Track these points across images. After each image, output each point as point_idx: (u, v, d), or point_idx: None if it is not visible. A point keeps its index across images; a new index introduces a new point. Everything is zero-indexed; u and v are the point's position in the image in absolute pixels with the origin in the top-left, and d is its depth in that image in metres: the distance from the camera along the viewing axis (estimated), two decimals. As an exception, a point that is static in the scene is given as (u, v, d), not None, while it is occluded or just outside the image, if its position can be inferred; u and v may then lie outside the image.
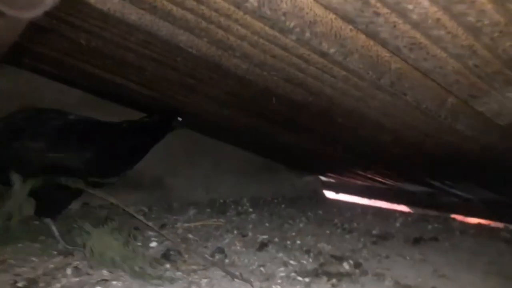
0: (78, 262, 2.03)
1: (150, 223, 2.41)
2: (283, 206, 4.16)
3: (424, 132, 2.21)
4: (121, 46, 2.22)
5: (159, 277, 1.89)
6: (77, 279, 1.85)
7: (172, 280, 1.88)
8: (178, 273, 2.00)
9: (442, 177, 3.28)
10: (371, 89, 1.75)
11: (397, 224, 3.50)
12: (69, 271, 1.92)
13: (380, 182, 4.41)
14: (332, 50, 1.48)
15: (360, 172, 4.01)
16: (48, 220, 2.25)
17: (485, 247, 2.79)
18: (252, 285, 1.84)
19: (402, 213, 4.23)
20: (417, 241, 2.87)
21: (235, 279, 1.91)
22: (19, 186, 2.13)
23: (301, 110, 2.43)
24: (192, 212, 3.53)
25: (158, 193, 3.98)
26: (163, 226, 2.87)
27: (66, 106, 3.48)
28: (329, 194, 5.36)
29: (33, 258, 2.09)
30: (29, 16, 1.51)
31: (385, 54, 1.52)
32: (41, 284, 1.76)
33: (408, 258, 2.44)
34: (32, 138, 2.18)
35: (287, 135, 3.19)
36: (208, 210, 3.73)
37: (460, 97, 1.63)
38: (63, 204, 2.40)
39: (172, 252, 2.24)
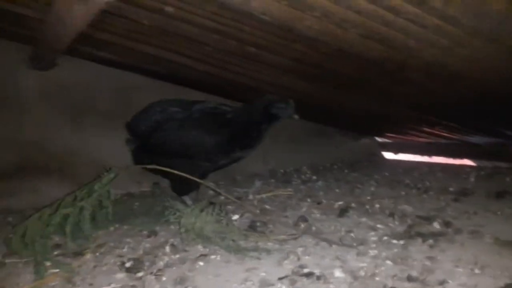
0: (172, 240, 2.09)
1: (231, 197, 2.43)
2: (346, 171, 4.10)
3: (505, 78, 2.05)
4: (186, 21, 2.18)
5: (255, 249, 1.91)
6: (177, 255, 1.91)
7: (268, 252, 1.89)
8: (270, 244, 2.02)
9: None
10: (464, 37, 1.62)
11: (472, 179, 3.36)
12: (167, 249, 1.98)
13: (444, 137, 4.24)
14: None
15: (425, 129, 3.86)
16: (185, 197, 2.62)
17: None
18: (354, 248, 1.83)
19: (472, 167, 4.07)
20: (500, 195, 2.74)
21: (332, 245, 1.90)
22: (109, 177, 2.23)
23: (372, 69, 2.33)
24: (258, 183, 3.54)
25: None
26: (238, 199, 2.90)
27: (129, 91, 3.61)
28: (388, 155, 5.24)
29: (128, 239, 2.17)
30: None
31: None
32: (146, 263, 1.83)
33: (499, 213, 2.34)
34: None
35: (352, 99, 3.09)
36: (273, 180, 3.74)
37: None
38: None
39: (258, 224, 2.26)
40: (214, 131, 2.53)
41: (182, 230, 2.01)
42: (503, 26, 1.51)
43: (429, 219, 2.27)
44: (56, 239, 2.19)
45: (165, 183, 3.51)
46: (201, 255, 1.89)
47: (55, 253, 2.04)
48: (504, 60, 1.88)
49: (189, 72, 3.16)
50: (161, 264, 1.83)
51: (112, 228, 2.36)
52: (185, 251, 1.96)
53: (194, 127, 2.55)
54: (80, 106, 3.40)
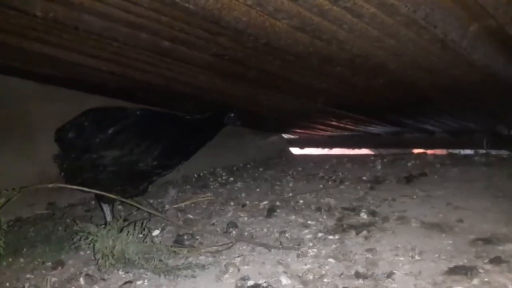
0: (86, 269, 1.77)
1: (152, 210, 2.17)
2: (261, 169, 4.04)
3: (429, 69, 2.16)
4: (90, 11, 1.86)
5: (188, 266, 1.70)
6: (95, 287, 1.61)
7: (202, 267, 1.70)
8: (202, 258, 1.83)
9: (420, 113, 3.35)
10: (396, 26, 1.63)
11: (379, 167, 3.55)
12: (81, 280, 1.66)
13: (348, 129, 4.45)
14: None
15: (333, 122, 3.99)
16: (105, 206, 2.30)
17: (471, 174, 2.91)
18: (292, 249, 1.74)
19: (375, 156, 4.33)
20: (409, 179, 2.92)
21: (271, 250, 1.78)
22: None
23: (296, 65, 2.27)
24: (173, 192, 3.28)
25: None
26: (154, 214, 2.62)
27: (22, 99, 3.09)
28: (295, 151, 5.35)
29: (28, 275, 1.79)
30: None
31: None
32: (57, 303, 1.50)
33: (414, 197, 2.47)
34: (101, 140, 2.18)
35: (270, 97, 3.02)
36: (188, 187, 3.52)
37: (500, 21, 1.57)
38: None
39: (185, 236, 2.05)
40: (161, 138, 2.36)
41: (98, 255, 1.71)
42: (435, 15, 1.55)
43: (354, 210, 2.30)
44: None
45: (62, 202, 3.08)
46: (126, 282, 1.63)
47: None
48: (430, 53, 1.95)
49: (91, 73, 2.76)
50: (76, 301, 1.52)
51: (4, 264, 1.93)
52: (104, 280, 1.67)
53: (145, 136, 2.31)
54: None
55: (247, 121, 4.15)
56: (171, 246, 1.94)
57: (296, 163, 4.32)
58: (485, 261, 1.43)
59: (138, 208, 2.24)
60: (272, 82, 2.66)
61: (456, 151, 4.07)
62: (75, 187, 2.01)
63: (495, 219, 1.93)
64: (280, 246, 1.79)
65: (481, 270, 1.36)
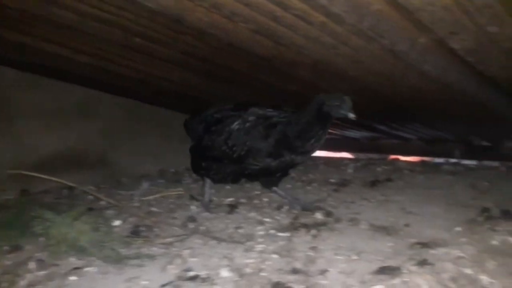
0: (39, 254, 1.83)
1: (112, 201, 2.22)
2: (237, 167, 4.10)
3: (387, 77, 2.23)
4: (64, 7, 1.92)
5: (138, 256, 1.76)
6: (44, 272, 1.67)
7: (152, 257, 1.76)
8: (155, 248, 1.89)
9: (390, 120, 3.42)
10: (346, 34, 1.70)
11: (350, 170, 3.63)
12: (32, 265, 1.71)
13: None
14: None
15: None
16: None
17: (435, 181, 3.00)
18: (242, 244, 1.80)
19: (350, 159, 4.41)
20: (374, 183, 3.00)
21: (221, 243, 1.84)
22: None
23: (263, 66, 2.33)
24: (145, 185, 3.34)
25: (104, 170, 3.72)
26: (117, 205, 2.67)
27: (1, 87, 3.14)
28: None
29: (-19, 259, 1.84)
30: None
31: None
32: (3, 285, 1.55)
33: (373, 200, 2.54)
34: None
35: (243, 96, 3.08)
36: (162, 181, 3.58)
37: (438, 34, 1.64)
38: None
39: (142, 228, 2.11)
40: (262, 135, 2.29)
41: (52, 242, 1.77)
42: (381, 25, 1.61)
43: (312, 210, 2.36)
44: None
45: (35, 189, 3.13)
46: (74, 268, 1.68)
47: None
48: (385, 62, 2.02)
49: (69, 64, 2.82)
50: (22, 284, 1.57)
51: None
52: (55, 265, 1.73)
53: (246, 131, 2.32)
54: None
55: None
56: (127, 237, 2.01)
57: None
58: (412, 263, 1.50)
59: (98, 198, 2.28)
60: (244, 82, 2.73)
61: (430, 159, 4.15)
62: (37, 174, 2.06)
63: (440, 225, 2.00)
64: (228, 240, 1.85)
65: (405, 271, 1.43)
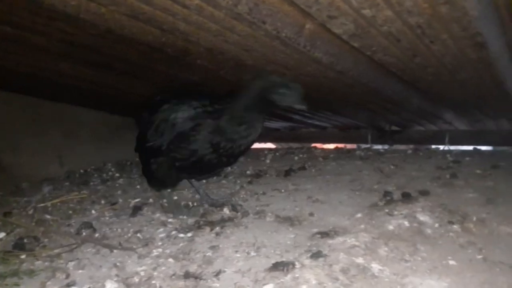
0: None
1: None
2: (152, 164, 3.90)
3: (284, 65, 2.19)
4: None
5: (15, 273, 1.55)
6: None
7: (31, 273, 1.56)
8: (38, 263, 1.68)
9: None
10: (228, 20, 1.60)
11: (267, 161, 3.60)
12: None
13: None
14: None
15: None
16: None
17: (345, 167, 3.06)
18: (136, 250, 1.65)
19: (270, 150, 4.40)
20: (287, 173, 2.99)
21: (114, 250, 1.69)
22: None
23: (155, 55, 2.17)
24: (46, 189, 3.05)
25: (-1, 176, 3.34)
26: (7, 214, 2.38)
27: None
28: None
29: None
30: None
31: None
32: None
33: (283, 190, 2.52)
34: None
35: (144, 87, 2.89)
36: (67, 184, 3.29)
37: (318, 19, 1.60)
38: None
39: (26, 240, 1.88)
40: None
41: None
42: (261, 10, 1.54)
43: (221, 206, 2.28)
44: None
45: None
46: None
47: None
48: (276, 50, 1.95)
49: None
50: None
51: None
52: None
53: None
54: None
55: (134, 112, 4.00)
56: (7, 252, 1.78)
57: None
58: (307, 256, 1.47)
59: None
60: (145, 74, 2.55)
61: (343, 145, 4.27)
62: None
63: (343, 212, 2.01)
64: (120, 247, 1.70)
65: (298, 266, 1.39)
